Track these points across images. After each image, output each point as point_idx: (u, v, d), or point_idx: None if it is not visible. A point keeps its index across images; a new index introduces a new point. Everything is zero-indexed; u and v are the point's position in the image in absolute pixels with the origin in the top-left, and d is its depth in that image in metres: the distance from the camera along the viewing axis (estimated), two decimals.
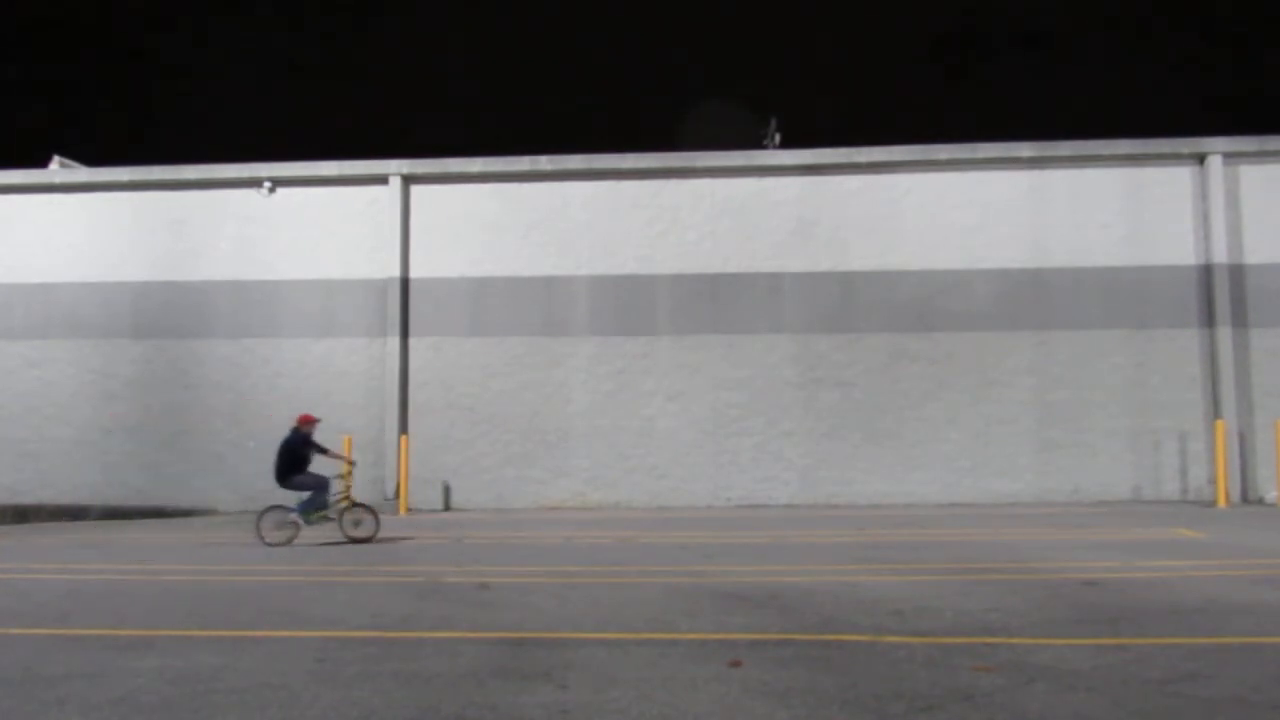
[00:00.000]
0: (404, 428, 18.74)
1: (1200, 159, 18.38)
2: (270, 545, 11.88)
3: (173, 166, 19.91)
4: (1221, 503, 16.50)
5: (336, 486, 12.44)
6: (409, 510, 18.12)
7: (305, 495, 12.26)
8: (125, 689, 5.04)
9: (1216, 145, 18.32)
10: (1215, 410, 17.78)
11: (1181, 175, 18.49)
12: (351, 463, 12.80)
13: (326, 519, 12.34)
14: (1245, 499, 17.57)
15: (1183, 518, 14.48)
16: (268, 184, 19.49)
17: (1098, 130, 57.02)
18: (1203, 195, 18.28)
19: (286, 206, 19.57)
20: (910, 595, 7.61)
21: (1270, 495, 17.48)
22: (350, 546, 12.19)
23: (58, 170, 20.71)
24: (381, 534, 12.45)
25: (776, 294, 18.77)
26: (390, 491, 18.49)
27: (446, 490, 18.73)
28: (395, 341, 18.96)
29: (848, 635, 6.14)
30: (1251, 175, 18.33)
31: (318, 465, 12.56)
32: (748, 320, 18.74)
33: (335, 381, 19.14)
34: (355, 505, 12.47)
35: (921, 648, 5.77)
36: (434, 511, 18.34)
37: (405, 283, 19.19)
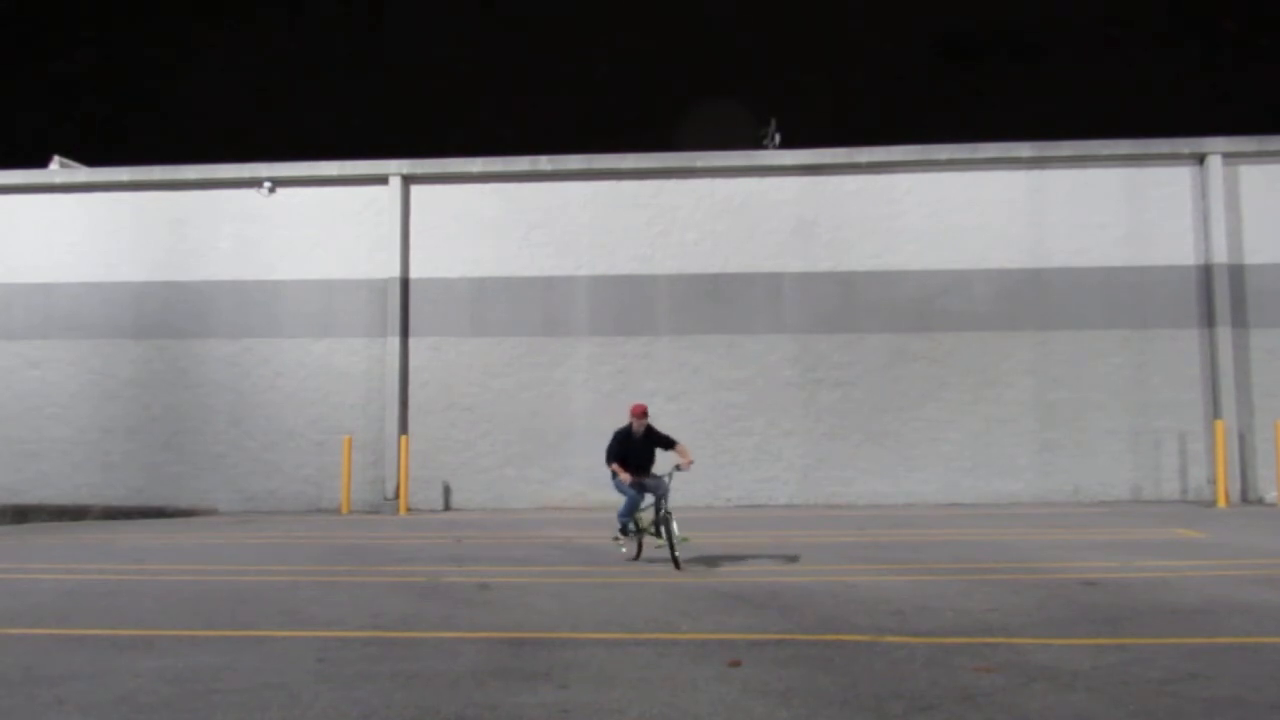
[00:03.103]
0: (404, 428, 18.73)
1: (1200, 159, 18.37)
2: (627, 558, 10.19)
3: (173, 166, 19.90)
4: (1221, 503, 16.50)
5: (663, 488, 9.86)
6: (409, 510, 18.12)
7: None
8: (125, 689, 5.04)
9: (1216, 145, 18.31)
10: (1215, 410, 17.77)
11: (1181, 175, 18.48)
12: (677, 467, 9.88)
13: (646, 532, 9.92)
14: (1245, 499, 17.57)
15: (1183, 518, 14.48)
16: (268, 184, 19.49)
17: (1098, 130, 57.04)
18: (1203, 195, 18.28)
19: (286, 206, 19.56)
20: (910, 595, 7.61)
21: (1270, 495, 17.48)
22: (348, 544, 12.16)
23: (58, 170, 20.71)
24: (388, 535, 12.40)
25: (776, 294, 18.77)
26: (390, 491, 18.49)
27: (446, 490, 18.73)
28: (395, 341, 18.96)
29: (848, 635, 6.14)
30: (1251, 175, 18.32)
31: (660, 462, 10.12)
32: (748, 320, 18.73)
33: (335, 381, 19.13)
34: (667, 518, 9.53)
35: (921, 648, 5.77)
36: (434, 511, 18.34)
37: (405, 283, 19.18)
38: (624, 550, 10.32)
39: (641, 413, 10.07)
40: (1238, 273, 18.06)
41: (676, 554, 9.30)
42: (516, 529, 14.31)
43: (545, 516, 16.75)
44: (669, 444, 10.08)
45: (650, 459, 10.12)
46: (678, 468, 9.78)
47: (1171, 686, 4.82)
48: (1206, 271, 18.12)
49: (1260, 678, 4.98)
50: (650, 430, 10.11)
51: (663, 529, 9.48)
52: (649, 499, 9.95)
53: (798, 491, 18.33)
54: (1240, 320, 17.96)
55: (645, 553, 10.27)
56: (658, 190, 19.10)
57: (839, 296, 18.68)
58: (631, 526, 10.06)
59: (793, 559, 10.05)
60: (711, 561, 9.83)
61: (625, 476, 9.79)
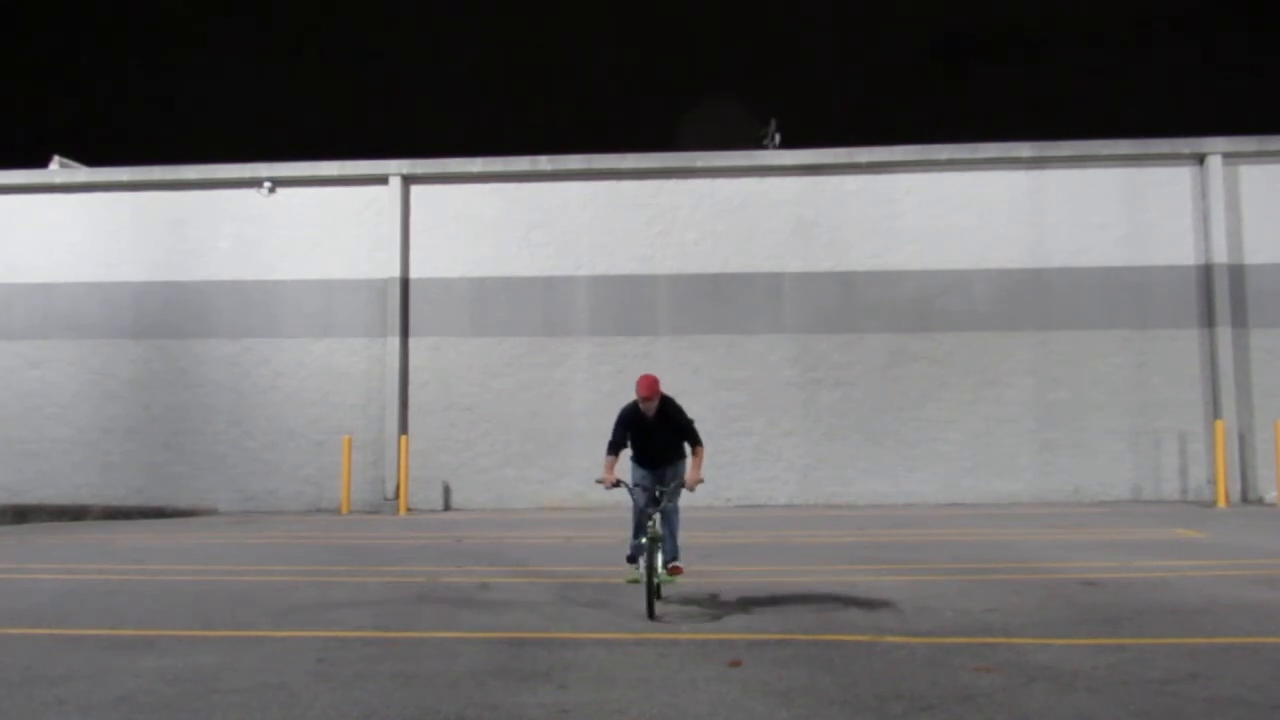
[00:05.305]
0: (404, 428, 18.73)
1: (1200, 159, 18.36)
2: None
3: (173, 166, 19.89)
4: (1221, 503, 16.50)
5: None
6: (409, 510, 18.12)
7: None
8: (125, 689, 5.04)
9: (1216, 145, 18.30)
10: (1215, 410, 17.76)
11: (1181, 175, 18.47)
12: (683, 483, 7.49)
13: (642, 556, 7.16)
14: (1245, 499, 17.56)
15: (1183, 518, 14.48)
16: (268, 184, 19.48)
17: (1098, 130, 57.06)
18: (1203, 195, 18.27)
19: (286, 206, 19.56)
20: (910, 595, 7.61)
21: (1270, 495, 17.47)
22: (348, 544, 12.15)
23: (58, 170, 20.70)
24: (388, 535, 12.38)
25: (776, 294, 18.76)
26: (390, 491, 18.49)
27: (446, 490, 18.73)
28: (395, 341, 18.95)
29: (848, 635, 6.14)
30: (1251, 175, 18.31)
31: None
32: (748, 320, 18.73)
33: (335, 381, 19.13)
34: (653, 544, 6.99)
35: (921, 648, 5.77)
36: (434, 511, 18.33)
37: (405, 283, 19.18)
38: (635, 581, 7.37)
39: (650, 390, 7.24)
40: (1238, 273, 18.06)
41: (654, 596, 6.77)
42: (516, 529, 14.31)
43: (545, 517, 16.75)
44: (693, 440, 7.50)
45: (671, 451, 7.31)
46: (683, 482, 7.39)
47: (1171, 686, 4.82)
48: (1206, 271, 18.11)
49: (1260, 678, 4.98)
50: (666, 410, 7.30)
51: (642, 557, 7.01)
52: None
53: (798, 491, 18.33)
54: (1240, 320, 17.96)
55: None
56: (658, 190, 19.10)
57: (839, 296, 18.68)
58: (644, 556, 7.04)
59: (793, 559, 10.05)
60: (712, 562, 9.83)
61: (607, 477, 7.26)
